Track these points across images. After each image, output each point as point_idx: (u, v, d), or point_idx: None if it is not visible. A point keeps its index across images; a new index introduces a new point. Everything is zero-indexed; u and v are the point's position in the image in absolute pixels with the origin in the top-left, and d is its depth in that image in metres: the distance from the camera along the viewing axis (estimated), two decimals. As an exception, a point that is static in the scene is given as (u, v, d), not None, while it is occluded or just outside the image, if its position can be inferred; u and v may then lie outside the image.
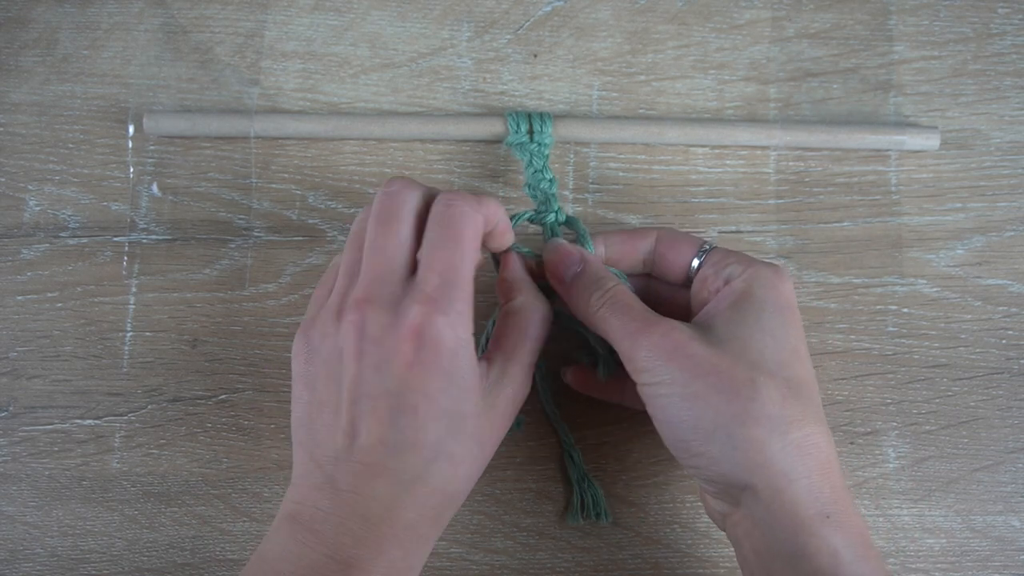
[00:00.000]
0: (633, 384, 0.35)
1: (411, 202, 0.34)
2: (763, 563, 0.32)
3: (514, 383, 0.35)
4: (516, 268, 0.38)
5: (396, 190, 0.34)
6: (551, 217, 0.40)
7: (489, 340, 0.37)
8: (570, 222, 0.40)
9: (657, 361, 0.33)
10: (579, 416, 0.42)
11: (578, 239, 0.39)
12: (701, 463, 0.33)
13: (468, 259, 0.33)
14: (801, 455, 0.32)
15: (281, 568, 0.30)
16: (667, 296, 0.39)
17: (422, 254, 0.33)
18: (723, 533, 0.41)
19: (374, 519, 0.31)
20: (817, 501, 0.31)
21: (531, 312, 0.36)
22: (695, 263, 0.37)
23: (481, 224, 0.34)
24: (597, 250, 0.38)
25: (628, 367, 0.34)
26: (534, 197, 0.41)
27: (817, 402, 0.33)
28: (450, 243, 0.33)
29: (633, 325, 0.34)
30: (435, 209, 0.34)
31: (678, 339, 0.33)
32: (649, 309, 0.35)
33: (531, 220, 0.40)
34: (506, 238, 0.37)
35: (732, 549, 0.40)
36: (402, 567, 0.31)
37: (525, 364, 0.35)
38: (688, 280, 0.38)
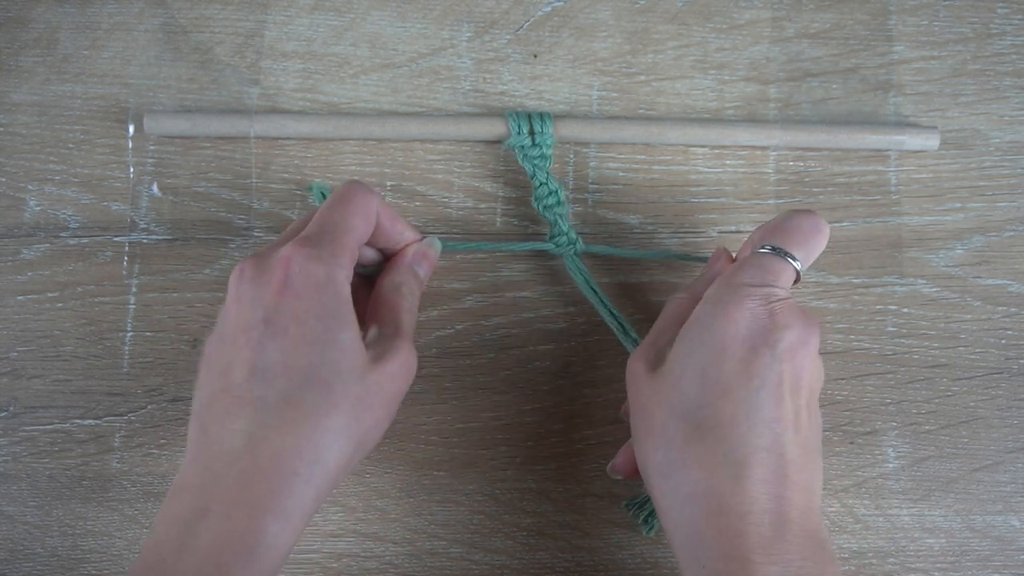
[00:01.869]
0: None
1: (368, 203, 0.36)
2: None
3: (405, 355, 0.34)
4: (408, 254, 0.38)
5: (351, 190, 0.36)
6: (568, 249, 0.42)
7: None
8: (596, 251, 0.42)
9: (629, 385, 0.35)
10: (578, 416, 0.42)
11: (622, 255, 0.42)
12: (653, 493, 0.34)
13: (349, 220, 0.34)
14: (686, 503, 0.31)
15: (157, 538, 0.29)
16: None
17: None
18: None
19: (236, 453, 0.29)
20: (694, 553, 0.31)
21: (401, 291, 0.36)
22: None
23: (372, 204, 0.35)
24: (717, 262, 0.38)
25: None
26: (544, 217, 0.42)
27: (734, 443, 0.31)
28: (334, 204, 0.34)
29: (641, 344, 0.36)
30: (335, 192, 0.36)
31: (635, 370, 0.35)
32: (667, 328, 0.36)
33: (551, 252, 0.42)
34: (397, 236, 0.37)
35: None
36: (269, 507, 0.29)
37: (406, 330, 0.35)
38: None
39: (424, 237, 0.39)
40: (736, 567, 0.29)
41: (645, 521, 0.40)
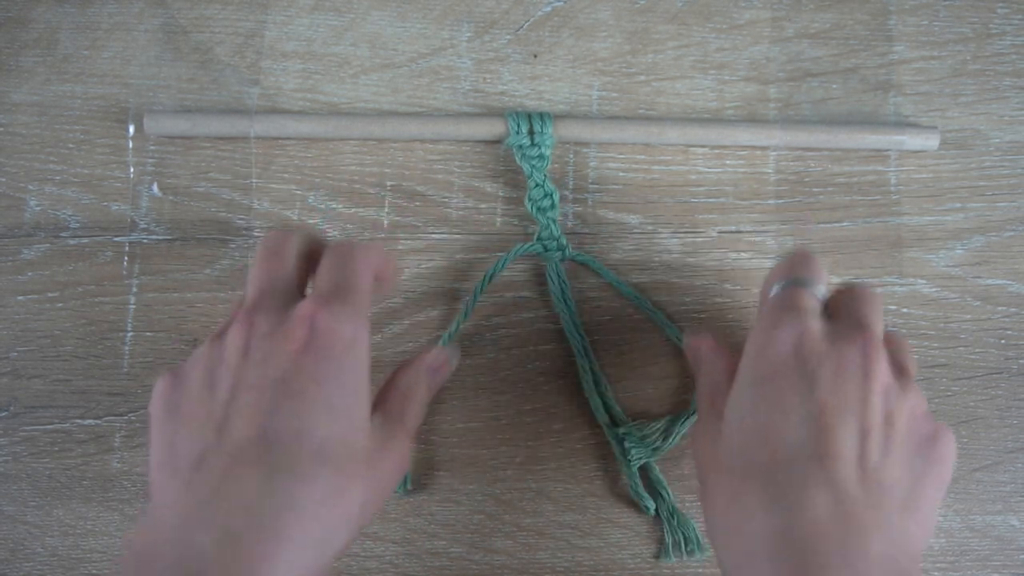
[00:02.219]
0: None
1: (293, 241, 0.32)
2: None
3: (399, 448, 0.32)
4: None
5: (274, 234, 0.32)
6: (556, 255, 0.42)
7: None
8: (577, 258, 0.42)
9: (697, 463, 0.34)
10: (578, 416, 0.42)
11: (603, 276, 0.42)
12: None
13: (363, 277, 0.31)
14: (744, 566, 0.28)
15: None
16: None
17: (317, 274, 0.31)
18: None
19: (237, 532, 0.25)
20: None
21: (420, 383, 0.35)
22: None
23: (374, 259, 0.32)
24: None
25: None
26: (536, 217, 0.42)
27: (782, 483, 0.28)
28: (343, 261, 0.31)
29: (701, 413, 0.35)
30: (328, 247, 0.32)
31: (695, 437, 0.34)
32: (719, 394, 0.34)
33: (538, 254, 0.42)
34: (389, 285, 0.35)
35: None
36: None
37: (407, 434, 0.33)
38: None
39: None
40: None
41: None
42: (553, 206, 0.42)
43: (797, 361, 0.29)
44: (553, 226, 0.42)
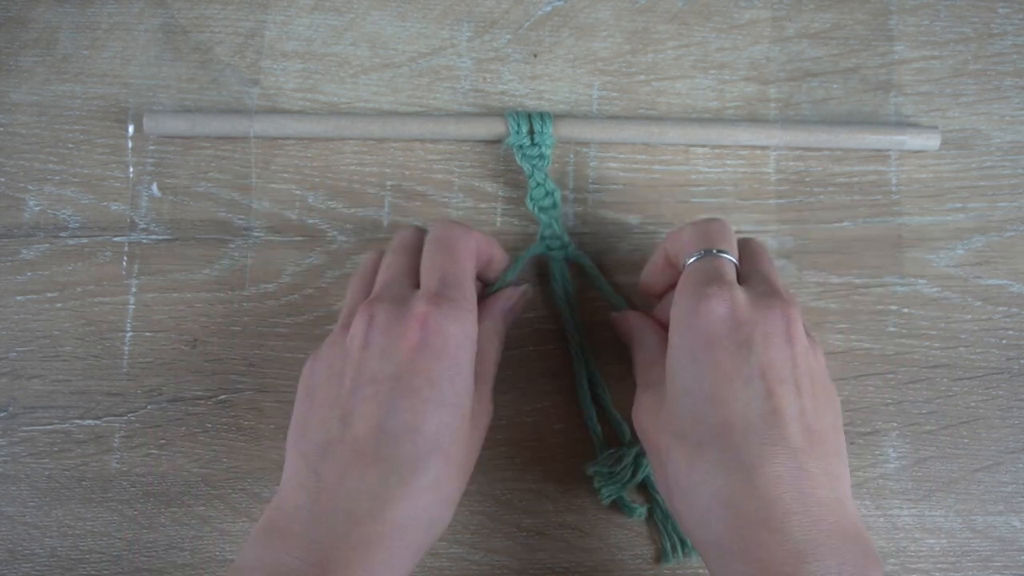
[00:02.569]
0: None
1: (418, 239, 0.37)
2: None
3: (486, 406, 0.35)
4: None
5: (409, 231, 0.37)
6: (559, 253, 0.42)
7: None
8: (577, 258, 0.42)
9: (639, 434, 0.36)
10: (579, 416, 0.42)
11: (593, 281, 0.42)
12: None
13: (464, 267, 0.34)
14: (708, 523, 0.29)
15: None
16: None
17: (422, 267, 0.34)
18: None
19: (360, 515, 0.29)
20: (730, 568, 0.29)
21: (494, 340, 0.37)
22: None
23: (473, 244, 0.35)
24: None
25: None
26: (537, 217, 0.42)
27: (736, 448, 0.29)
28: (444, 253, 0.34)
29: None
30: (429, 233, 0.36)
31: (637, 408, 0.35)
32: (654, 365, 0.35)
33: (543, 253, 0.42)
34: (499, 266, 0.39)
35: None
36: (385, 574, 0.29)
37: (491, 388, 0.36)
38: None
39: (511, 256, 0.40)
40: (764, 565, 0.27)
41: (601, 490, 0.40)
42: (555, 205, 0.42)
43: (732, 329, 0.31)
44: (556, 224, 0.42)
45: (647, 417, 0.34)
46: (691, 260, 0.34)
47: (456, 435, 0.31)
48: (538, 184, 0.42)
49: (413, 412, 0.30)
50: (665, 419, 0.32)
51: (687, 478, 0.30)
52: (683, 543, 0.40)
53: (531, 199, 0.42)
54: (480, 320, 0.35)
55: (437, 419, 0.30)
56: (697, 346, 0.31)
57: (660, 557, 0.40)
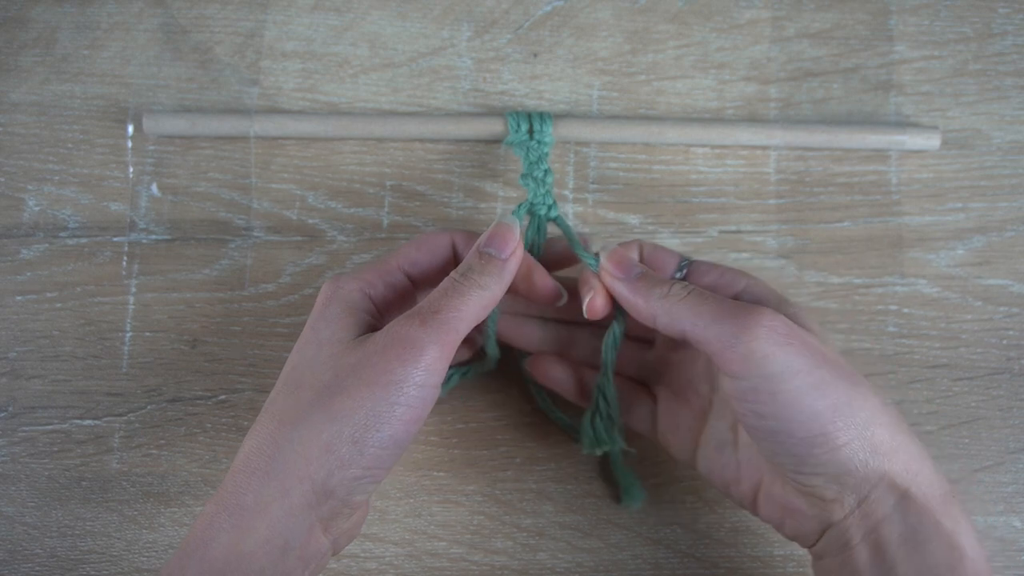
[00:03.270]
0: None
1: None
2: (884, 557, 0.30)
3: (392, 323, 0.31)
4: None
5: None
6: (543, 210, 0.40)
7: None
8: (558, 221, 0.39)
9: (773, 345, 0.30)
10: (579, 416, 0.42)
11: (568, 239, 0.38)
12: (841, 456, 0.30)
13: (401, 249, 0.36)
14: (914, 440, 0.31)
15: (191, 534, 0.31)
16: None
17: None
18: (723, 534, 0.41)
19: (240, 452, 0.31)
20: (940, 482, 0.31)
21: (469, 270, 0.33)
22: (679, 275, 0.36)
23: (438, 236, 0.36)
24: (633, 253, 0.36)
25: (729, 356, 0.31)
26: (526, 186, 0.40)
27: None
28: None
29: (732, 310, 0.31)
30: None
31: (788, 323, 0.31)
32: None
33: (528, 212, 0.40)
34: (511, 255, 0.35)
35: (732, 550, 0.40)
36: (229, 504, 0.30)
37: (418, 310, 0.32)
38: None
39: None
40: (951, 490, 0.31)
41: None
42: (547, 175, 0.40)
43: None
44: (541, 187, 0.40)
45: (802, 329, 0.32)
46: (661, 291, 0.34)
47: (312, 363, 0.32)
48: (532, 162, 0.41)
49: (283, 370, 0.33)
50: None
51: (882, 402, 0.31)
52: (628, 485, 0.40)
53: (523, 175, 0.40)
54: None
55: (293, 360, 0.33)
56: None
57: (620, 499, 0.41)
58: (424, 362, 0.30)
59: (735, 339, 0.30)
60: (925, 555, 0.30)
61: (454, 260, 0.37)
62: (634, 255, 0.37)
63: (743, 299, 0.34)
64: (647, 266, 0.36)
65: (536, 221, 0.40)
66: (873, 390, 0.31)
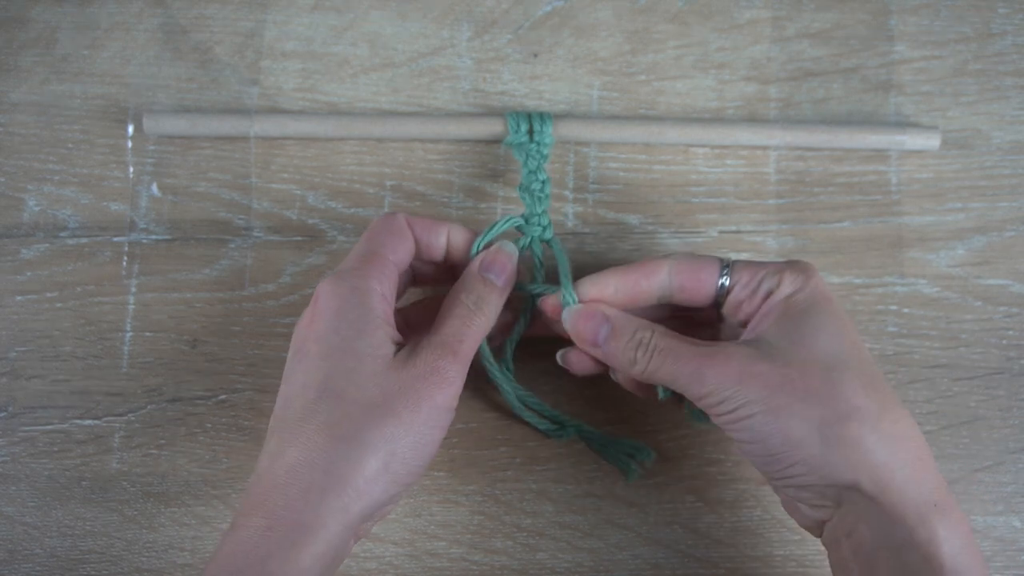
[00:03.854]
0: None
1: None
2: (865, 560, 0.31)
3: (429, 351, 0.33)
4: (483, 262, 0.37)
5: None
6: (536, 231, 0.40)
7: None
8: (551, 244, 0.40)
9: (728, 388, 0.32)
10: (579, 416, 0.42)
11: (559, 266, 0.38)
12: (798, 471, 0.32)
13: (377, 239, 0.36)
14: (896, 445, 0.32)
15: (236, 548, 0.31)
16: (689, 319, 0.39)
17: None
18: (723, 534, 0.41)
19: (259, 475, 0.31)
20: (921, 490, 0.31)
21: (478, 297, 0.36)
22: (721, 281, 0.36)
23: (395, 219, 0.36)
24: (606, 293, 0.37)
25: (700, 403, 0.34)
26: (523, 200, 0.40)
27: (891, 390, 0.33)
28: (363, 237, 0.36)
29: (690, 364, 0.33)
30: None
31: (742, 360, 0.33)
32: (696, 341, 0.34)
33: (519, 228, 0.40)
34: (461, 243, 0.38)
35: (732, 550, 0.40)
36: (284, 520, 0.30)
37: (448, 339, 0.34)
38: (713, 301, 0.36)
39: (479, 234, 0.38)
40: (946, 496, 0.32)
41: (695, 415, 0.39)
42: (544, 191, 0.40)
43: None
44: (538, 205, 0.40)
45: (760, 361, 0.33)
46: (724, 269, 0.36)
47: (354, 376, 0.32)
48: (530, 171, 0.41)
49: (304, 372, 0.32)
50: (803, 356, 0.33)
51: (864, 404, 0.32)
52: (632, 452, 0.40)
53: (522, 188, 0.41)
54: (473, 285, 0.36)
55: (324, 368, 0.32)
56: (826, 302, 0.34)
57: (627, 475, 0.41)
58: (454, 390, 0.33)
59: (697, 390, 0.33)
60: (901, 564, 0.30)
61: (415, 243, 0.37)
62: (608, 289, 0.37)
63: (774, 308, 0.34)
64: (682, 284, 0.36)
65: (528, 242, 0.40)
66: (864, 394, 0.32)
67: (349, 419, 0.31)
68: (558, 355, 0.39)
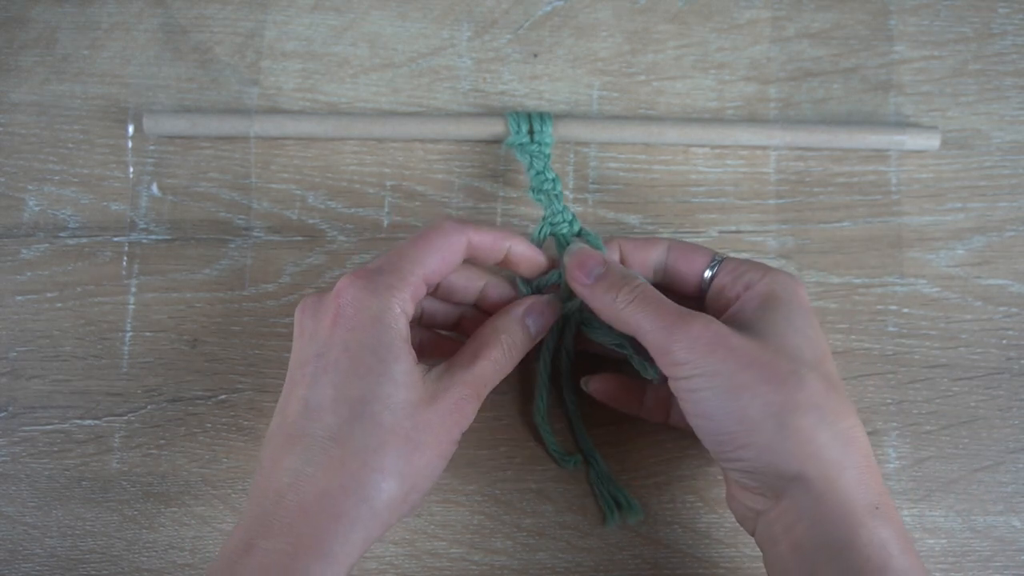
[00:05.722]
0: (659, 397, 0.38)
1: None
2: (804, 558, 0.31)
3: (457, 388, 0.33)
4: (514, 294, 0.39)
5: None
6: (564, 228, 0.40)
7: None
8: (583, 233, 0.40)
9: (697, 353, 0.32)
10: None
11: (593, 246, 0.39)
12: (747, 455, 0.32)
13: (421, 253, 0.34)
14: (848, 446, 0.32)
15: (209, 570, 0.30)
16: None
17: None
18: (723, 534, 0.41)
19: (282, 491, 0.30)
20: (866, 492, 0.31)
21: (497, 338, 0.35)
22: (707, 273, 0.37)
23: (453, 238, 0.34)
24: (611, 253, 0.38)
25: (663, 360, 0.33)
26: (539, 201, 0.40)
27: (851, 402, 0.34)
28: (413, 239, 0.34)
29: (668, 318, 0.33)
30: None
31: (718, 331, 0.33)
32: (679, 305, 0.34)
33: (551, 233, 0.40)
34: (528, 264, 0.38)
35: (732, 550, 0.40)
36: (313, 549, 0.29)
37: (477, 378, 0.34)
38: (698, 290, 0.38)
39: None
40: (888, 501, 0.32)
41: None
42: (556, 188, 0.40)
43: None
44: (556, 202, 0.40)
45: (738, 337, 0.33)
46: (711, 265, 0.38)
47: (390, 403, 0.31)
48: (538, 172, 0.41)
49: (333, 385, 0.31)
50: (775, 345, 0.33)
51: (824, 403, 0.32)
52: (622, 504, 0.40)
53: (533, 189, 0.41)
54: (496, 314, 0.36)
55: (360, 388, 0.31)
56: (805, 308, 0.35)
57: (604, 520, 0.41)
58: (468, 425, 0.34)
59: (666, 345, 0.33)
60: (842, 563, 0.30)
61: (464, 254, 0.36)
62: (614, 255, 0.38)
63: (755, 296, 0.35)
64: (674, 263, 0.38)
65: (560, 240, 0.40)
66: (825, 394, 0.32)
67: (384, 449, 0.31)
68: (582, 381, 0.40)
